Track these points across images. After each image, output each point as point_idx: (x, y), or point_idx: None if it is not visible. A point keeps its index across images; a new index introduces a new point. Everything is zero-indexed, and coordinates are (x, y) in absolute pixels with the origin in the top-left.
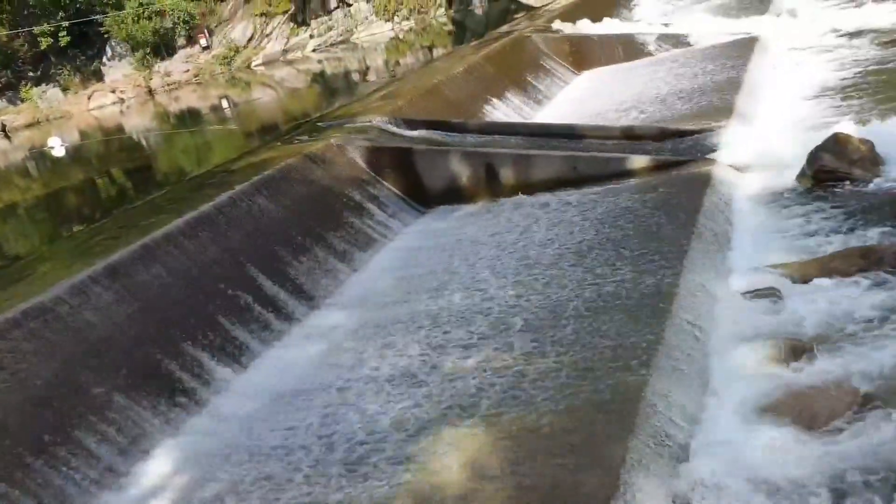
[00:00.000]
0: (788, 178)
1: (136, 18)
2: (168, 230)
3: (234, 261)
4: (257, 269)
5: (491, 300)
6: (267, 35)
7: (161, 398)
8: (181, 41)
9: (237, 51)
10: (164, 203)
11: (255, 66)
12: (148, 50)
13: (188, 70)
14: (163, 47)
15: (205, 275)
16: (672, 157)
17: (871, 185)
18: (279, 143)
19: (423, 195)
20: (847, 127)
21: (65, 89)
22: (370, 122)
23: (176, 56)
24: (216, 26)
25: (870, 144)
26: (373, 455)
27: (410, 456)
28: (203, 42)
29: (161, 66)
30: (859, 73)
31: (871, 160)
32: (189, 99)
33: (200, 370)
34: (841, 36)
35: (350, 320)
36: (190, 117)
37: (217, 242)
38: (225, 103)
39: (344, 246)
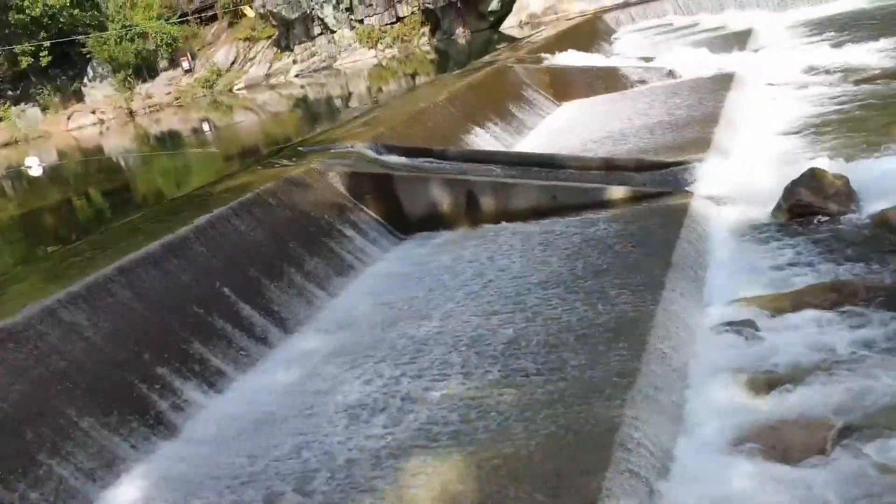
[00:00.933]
0: (764, 211)
1: (118, 40)
2: (144, 252)
3: (211, 284)
4: (234, 292)
5: (468, 328)
6: (250, 59)
7: (133, 422)
8: (163, 63)
9: (220, 74)
10: (141, 225)
11: (238, 89)
12: (130, 71)
13: (170, 92)
14: (145, 69)
15: (181, 298)
16: (650, 188)
17: (846, 220)
18: (259, 167)
19: (403, 222)
20: (822, 162)
21: (44, 109)
22: (351, 147)
23: (158, 78)
24: (199, 49)
25: (845, 180)
26: (346, 482)
27: (383, 484)
28: (185, 65)
29: (142, 88)
30: (834, 109)
31: (846, 195)
32: (170, 121)
33: (174, 394)
34: (817, 73)
35: (326, 346)
36: (170, 139)
37: (194, 265)
38: (206, 126)
39: (322, 271)
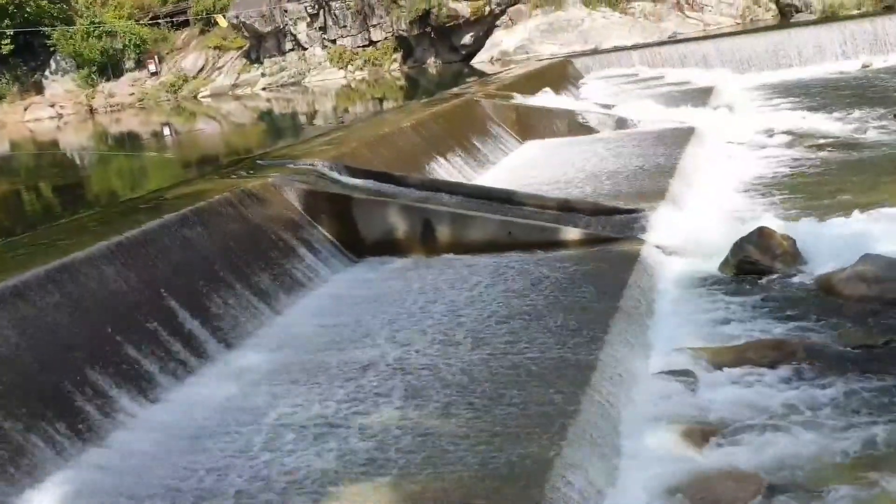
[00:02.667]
0: (713, 265)
1: (85, 35)
2: (89, 252)
3: (155, 291)
4: (177, 301)
5: (411, 357)
6: (218, 68)
7: (58, 427)
8: (130, 64)
9: (186, 80)
10: (89, 224)
11: (203, 97)
12: (94, 68)
13: (133, 93)
14: (110, 67)
15: (122, 302)
16: (603, 232)
17: (790, 281)
18: (216, 177)
19: (358, 244)
20: (772, 222)
21: (0, 98)
22: (311, 165)
23: (122, 78)
24: (167, 53)
25: (792, 241)
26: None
27: None
28: (152, 67)
29: (105, 87)
30: (788, 172)
31: (793, 256)
32: (130, 122)
33: (104, 401)
34: (773, 135)
35: (266, 364)
36: (129, 141)
37: (139, 270)
38: (167, 130)
39: (270, 287)
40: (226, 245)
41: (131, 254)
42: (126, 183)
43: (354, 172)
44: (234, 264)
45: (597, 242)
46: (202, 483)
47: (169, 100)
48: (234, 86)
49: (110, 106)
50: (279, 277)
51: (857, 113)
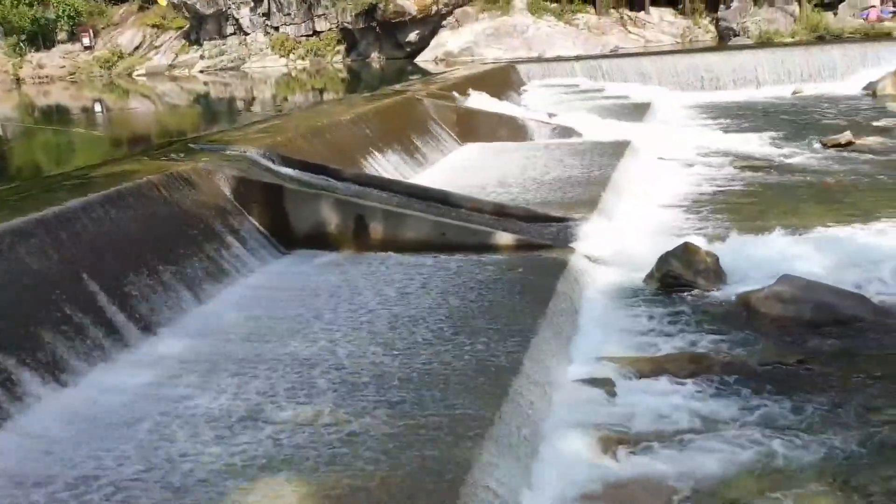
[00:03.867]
0: (638, 277)
1: (14, 2)
2: (3, 228)
3: (73, 272)
4: (96, 283)
5: (334, 354)
6: (156, 47)
7: None
8: (62, 35)
9: (121, 56)
10: (8, 198)
11: (138, 75)
12: (23, 37)
13: (64, 66)
14: (41, 37)
15: (37, 282)
16: (535, 239)
17: (711, 297)
18: (146, 157)
19: (288, 236)
20: (697, 239)
21: None
22: (245, 152)
23: (54, 49)
24: (103, 28)
25: (715, 258)
26: (183, 496)
27: (223, 502)
28: (86, 41)
29: (35, 57)
30: (716, 190)
31: (715, 273)
32: (60, 96)
33: (10, 382)
34: (705, 154)
35: (185, 352)
36: (57, 115)
37: (58, 249)
38: (98, 107)
39: (194, 275)
40: (151, 229)
41: (50, 232)
42: (51, 158)
43: (289, 162)
44: (158, 249)
45: (528, 249)
46: (106, 471)
47: (102, 76)
48: (172, 66)
49: (39, 77)
50: (205, 265)
51: (785, 137)
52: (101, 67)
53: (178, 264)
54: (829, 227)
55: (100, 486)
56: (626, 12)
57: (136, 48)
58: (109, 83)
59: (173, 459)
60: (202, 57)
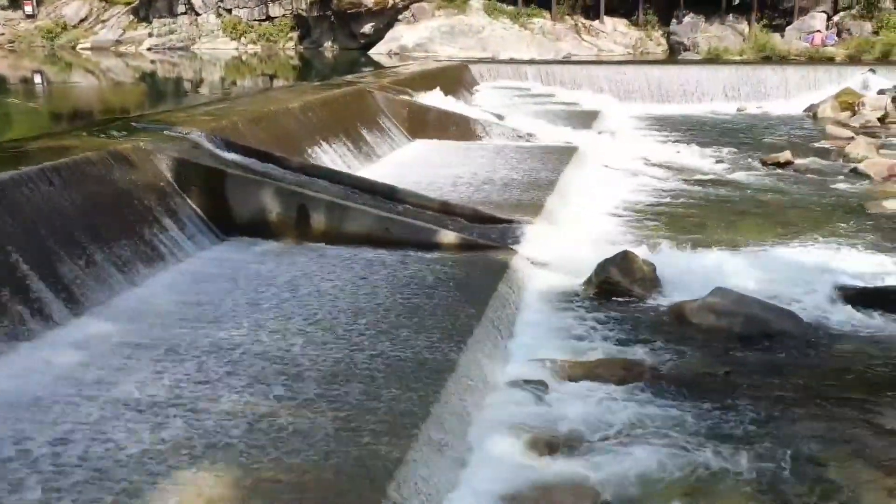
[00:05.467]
0: (577, 282)
1: None
2: None
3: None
4: (23, 260)
5: (266, 344)
6: (103, 21)
7: None
8: (3, 1)
9: (65, 28)
10: None
11: (82, 48)
12: None
13: (3, 34)
14: None
15: None
16: (479, 239)
17: (647, 305)
18: (84, 133)
19: (227, 222)
20: (636, 247)
21: None
22: (188, 134)
23: None
24: None
25: (652, 267)
26: (102, 484)
27: (143, 493)
28: (28, 9)
29: None
30: (658, 201)
31: (652, 282)
32: None
33: None
34: (650, 165)
35: (113, 335)
36: None
37: None
38: (38, 78)
39: (127, 256)
40: (85, 207)
41: None
42: None
43: (233, 147)
44: (92, 228)
45: (472, 248)
46: (23, 454)
47: (44, 46)
48: (118, 42)
49: None
50: (139, 248)
51: (727, 153)
52: (43, 38)
53: (111, 245)
54: (764, 243)
55: (12, 470)
56: (581, 20)
57: (82, 20)
58: (52, 55)
59: (93, 445)
60: (151, 35)
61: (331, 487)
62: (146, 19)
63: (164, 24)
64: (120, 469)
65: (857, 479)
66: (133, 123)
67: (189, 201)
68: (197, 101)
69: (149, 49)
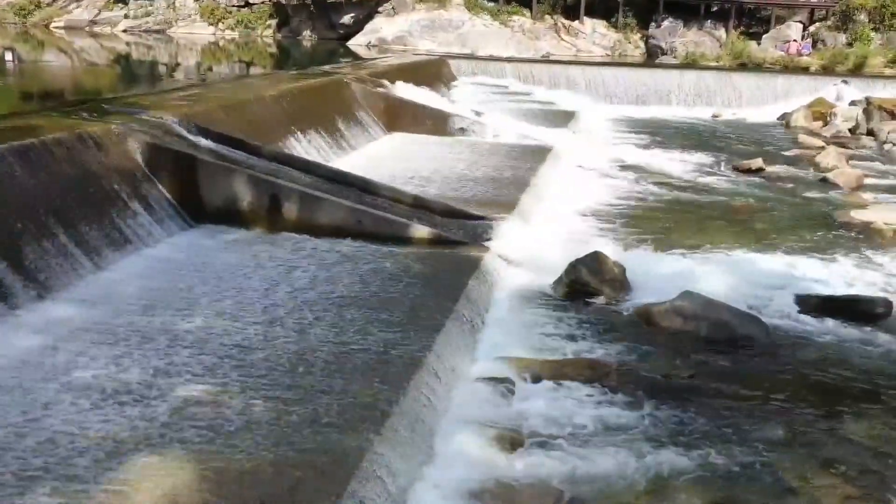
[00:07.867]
0: (547, 281)
1: None
2: None
3: None
4: None
5: (235, 333)
6: (77, 0)
7: None
8: None
9: (39, 6)
10: None
11: (56, 27)
12: None
13: None
14: None
15: None
16: (452, 235)
17: (615, 306)
18: (55, 114)
19: (198, 209)
20: (607, 248)
21: None
22: (161, 118)
23: None
24: None
25: (622, 269)
26: (59, 470)
27: (102, 479)
28: None
29: None
30: (631, 204)
31: (621, 283)
32: None
33: None
34: (623, 168)
35: (77, 319)
36: None
37: None
38: (9, 56)
39: (95, 240)
40: (53, 189)
41: None
42: None
43: (206, 133)
44: (58, 210)
45: (444, 244)
46: None
47: (16, 24)
48: (93, 22)
49: None
50: (108, 232)
51: (700, 158)
52: (15, 15)
53: (78, 228)
54: (733, 248)
55: None
56: (561, 20)
57: None
58: (24, 33)
59: (55, 430)
60: (126, 16)
61: (291, 482)
62: (122, 0)
63: (141, 7)
64: (72, 458)
65: (814, 484)
66: (105, 105)
67: (160, 186)
68: (171, 85)
69: (124, 31)
